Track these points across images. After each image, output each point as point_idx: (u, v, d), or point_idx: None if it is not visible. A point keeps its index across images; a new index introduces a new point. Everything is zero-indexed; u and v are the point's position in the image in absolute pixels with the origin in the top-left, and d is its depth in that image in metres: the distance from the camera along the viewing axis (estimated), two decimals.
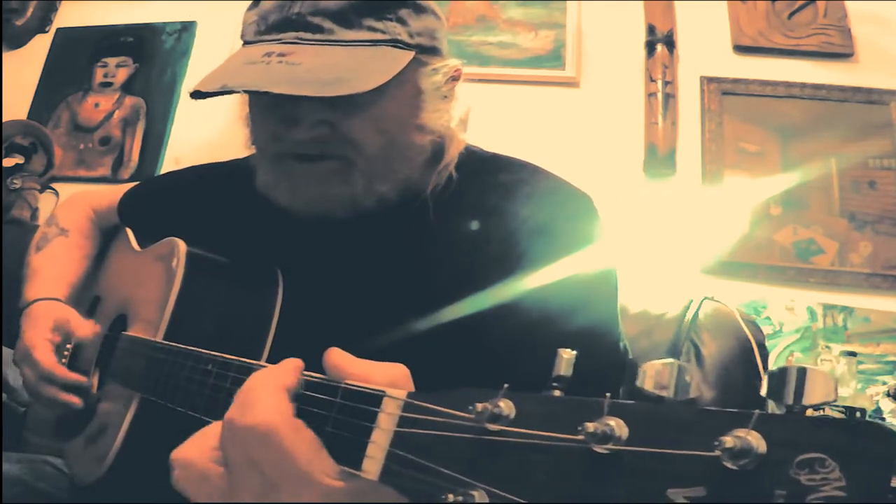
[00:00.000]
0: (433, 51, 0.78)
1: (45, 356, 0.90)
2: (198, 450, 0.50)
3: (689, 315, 1.38)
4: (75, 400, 0.88)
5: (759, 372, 1.30)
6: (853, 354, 1.64)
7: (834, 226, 1.74)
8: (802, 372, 0.30)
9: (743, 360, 1.32)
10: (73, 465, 0.86)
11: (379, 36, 0.72)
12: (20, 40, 2.34)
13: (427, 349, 0.62)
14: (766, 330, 1.58)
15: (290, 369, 0.51)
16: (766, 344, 1.40)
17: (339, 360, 0.50)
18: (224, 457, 0.48)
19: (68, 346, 0.95)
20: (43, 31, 2.36)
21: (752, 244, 1.75)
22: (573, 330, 0.69)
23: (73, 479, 0.86)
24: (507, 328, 0.71)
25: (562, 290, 0.72)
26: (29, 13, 2.32)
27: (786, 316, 1.69)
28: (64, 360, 0.94)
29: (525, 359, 0.67)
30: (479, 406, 0.38)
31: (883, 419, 1.59)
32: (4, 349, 1.42)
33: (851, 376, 1.62)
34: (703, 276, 1.73)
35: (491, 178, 0.83)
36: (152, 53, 2.26)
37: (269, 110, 0.75)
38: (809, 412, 0.30)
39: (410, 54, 0.74)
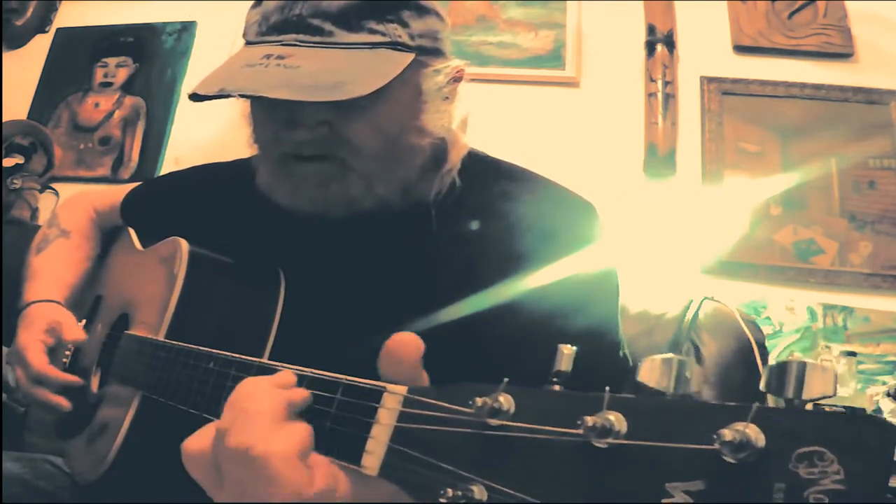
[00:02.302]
0: (435, 52, 0.78)
1: (37, 357, 0.90)
2: (210, 441, 0.49)
3: (689, 315, 1.38)
4: (63, 402, 0.88)
5: (759, 372, 1.30)
6: (853, 354, 1.64)
7: (834, 226, 1.74)
8: (802, 366, 0.30)
9: (743, 360, 1.32)
10: (75, 464, 0.86)
11: (379, 38, 0.72)
12: (20, 40, 2.34)
13: (427, 350, 0.62)
14: (766, 330, 1.58)
15: (288, 382, 0.49)
16: (766, 344, 1.40)
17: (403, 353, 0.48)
18: (214, 458, 0.47)
19: (67, 351, 0.95)
20: (43, 31, 2.36)
21: (752, 244, 1.75)
22: (573, 331, 0.69)
23: (74, 478, 0.86)
24: (508, 329, 0.71)
25: (562, 290, 0.72)
26: (29, 13, 2.32)
27: (786, 316, 1.69)
28: (65, 361, 0.94)
29: (525, 359, 0.67)
30: (479, 401, 0.38)
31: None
32: (4, 349, 1.42)
33: (851, 376, 1.62)
34: (703, 276, 1.73)
35: (494, 185, 0.82)
36: (152, 53, 2.26)
37: (269, 112, 0.75)
38: (809, 407, 0.30)
39: (410, 56, 0.73)
